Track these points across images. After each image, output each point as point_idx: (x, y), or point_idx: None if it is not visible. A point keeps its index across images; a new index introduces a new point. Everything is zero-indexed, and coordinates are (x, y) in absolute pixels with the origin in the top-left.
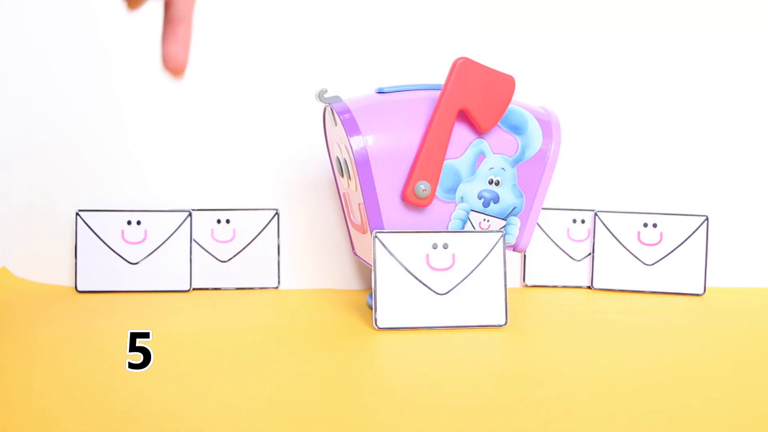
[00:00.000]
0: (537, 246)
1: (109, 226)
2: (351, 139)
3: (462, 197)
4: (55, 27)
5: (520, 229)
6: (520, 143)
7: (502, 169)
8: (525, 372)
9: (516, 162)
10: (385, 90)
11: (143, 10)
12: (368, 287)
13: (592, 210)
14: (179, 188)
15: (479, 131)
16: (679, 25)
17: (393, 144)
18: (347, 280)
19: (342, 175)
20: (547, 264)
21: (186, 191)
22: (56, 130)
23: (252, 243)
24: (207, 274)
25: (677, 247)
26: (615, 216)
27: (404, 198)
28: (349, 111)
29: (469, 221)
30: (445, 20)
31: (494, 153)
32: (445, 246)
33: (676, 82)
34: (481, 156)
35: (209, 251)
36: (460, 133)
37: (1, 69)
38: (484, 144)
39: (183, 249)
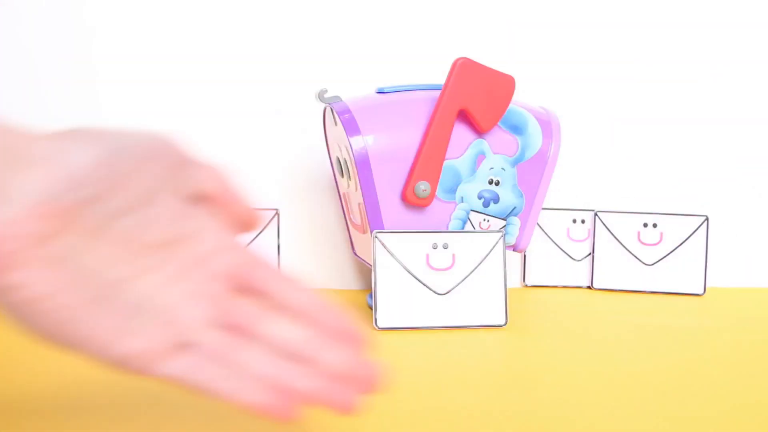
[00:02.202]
0: (537, 246)
1: None
2: (351, 139)
3: (462, 197)
4: (59, 23)
5: (520, 229)
6: (520, 143)
7: (502, 169)
8: (525, 372)
9: (516, 162)
10: (385, 90)
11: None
12: (368, 287)
13: (592, 210)
14: None
15: (479, 131)
16: (679, 25)
17: (393, 144)
18: (347, 280)
19: (342, 175)
20: (547, 264)
21: None
22: None
23: (253, 243)
24: None
25: (677, 247)
26: (615, 216)
27: (404, 198)
28: (349, 111)
29: (469, 221)
30: (445, 20)
31: (494, 153)
32: (445, 246)
33: (675, 82)
34: (481, 156)
35: None
36: (460, 133)
37: (1, 69)
38: (484, 144)
39: None
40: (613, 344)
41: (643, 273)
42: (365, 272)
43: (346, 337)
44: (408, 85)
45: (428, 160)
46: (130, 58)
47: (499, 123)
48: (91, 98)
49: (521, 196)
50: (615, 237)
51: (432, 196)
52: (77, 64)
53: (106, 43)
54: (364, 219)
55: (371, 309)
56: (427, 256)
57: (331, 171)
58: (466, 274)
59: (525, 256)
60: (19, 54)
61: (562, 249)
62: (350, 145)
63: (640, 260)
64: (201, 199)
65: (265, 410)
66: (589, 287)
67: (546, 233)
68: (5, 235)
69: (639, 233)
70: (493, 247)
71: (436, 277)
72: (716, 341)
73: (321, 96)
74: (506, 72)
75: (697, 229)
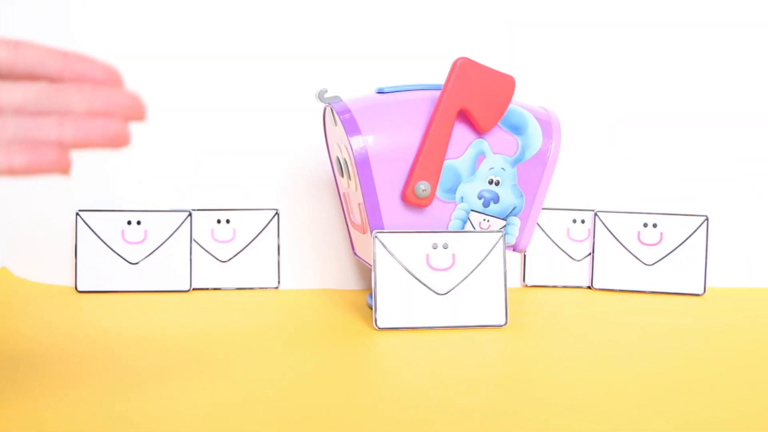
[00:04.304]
0: (537, 246)
1: (109, 226)
2: (351, 139)
3: (462, 197)
4: (58, 27)
5: (520, 229)
6: (520, 143)
7: (502, 169)
8: (525, 372)
9: (516, 162)
10: (385, 90)
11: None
12: (368, 287)
13: (592, 210)
14: (179, 188)
15: (479, 131)
16: (679, 25)
17: (393, 144)
18: (347, 280)
19: (342, 175)
20: (547, 264)
21: (186, 191)
22: None
23: (252, 243)
24: (207, 274)
25: (677, 247)
26: (615, 216)
27: (404, 198)
28: (349, 111)
29: (469, 221)
30: (445, 20)
31: (494, 153)
32: (445, 246)
33: (675, 82)
34: (481, 156)
35: (209, 251)
36: (460, 133)
37: None
38: (484, 144)
39: (183, 249)
40: (613, 344)
41: (643, 273)
42: (365, 272)
43: (95, 74)
44: (408, 85)
45: (428, 160)
46: (129, 58)
47: (499, 123)
48: None
49: (521, 196)
50: (615, 237)
51: (432, 196)
52: None
53: (104, 42)
54: (364, 219)
55: (371, 309)
56: (427, 256)
57: (331, 171)
58: (466, 274)
59: (525, 256)
60: None
61: (562, 249)
62: (350, 145)
63: (640, 260)
64: None
65: (27, 170)
66: (589, 287)
67: (546, 233)
68: None
69: (639, 233)
70: (493, 247)
71: (436, 277)
72: (716, 341)
73: (321, 96)
74: (506, 72)
75: (697, 229)
